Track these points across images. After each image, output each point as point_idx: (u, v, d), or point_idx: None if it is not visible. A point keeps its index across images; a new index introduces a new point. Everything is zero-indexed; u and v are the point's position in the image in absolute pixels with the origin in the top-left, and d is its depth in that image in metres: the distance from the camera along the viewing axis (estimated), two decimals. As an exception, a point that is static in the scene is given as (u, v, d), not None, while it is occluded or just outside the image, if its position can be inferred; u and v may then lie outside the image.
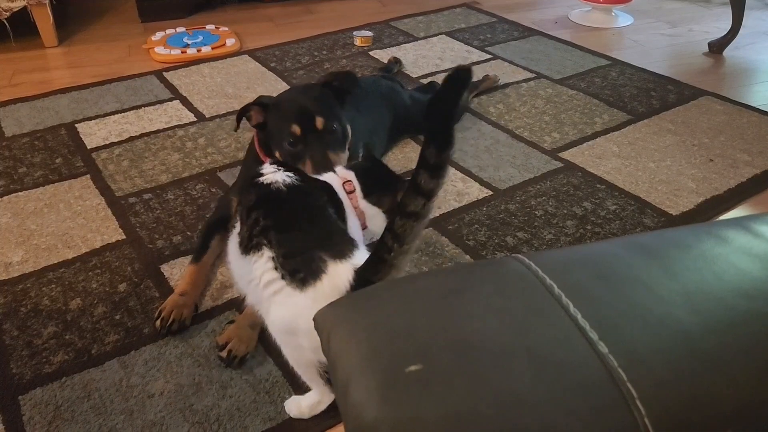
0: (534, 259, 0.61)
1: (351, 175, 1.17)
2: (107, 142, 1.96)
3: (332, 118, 1.41)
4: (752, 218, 0.69)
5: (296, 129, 1.39)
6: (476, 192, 1.71)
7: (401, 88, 1.95)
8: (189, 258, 1.47)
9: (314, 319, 0.64)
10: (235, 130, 1.53)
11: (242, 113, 1.46)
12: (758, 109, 2.12)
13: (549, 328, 0.54)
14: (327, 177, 1.17)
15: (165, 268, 1.45)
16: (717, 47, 2.61)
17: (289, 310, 0.92)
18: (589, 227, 1.57)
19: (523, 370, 0.50)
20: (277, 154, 1.44)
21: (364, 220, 1.15)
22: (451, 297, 0.59)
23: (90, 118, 2.10)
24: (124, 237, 1.55)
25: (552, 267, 0.59)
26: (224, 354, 1.20)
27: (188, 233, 1.56)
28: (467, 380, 0.50)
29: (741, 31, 2.59)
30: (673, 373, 0.49)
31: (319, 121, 1.39)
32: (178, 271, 1.44)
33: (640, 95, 2.22)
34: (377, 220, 1.16)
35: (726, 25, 2.64)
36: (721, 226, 0.68)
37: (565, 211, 1.61)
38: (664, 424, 0.46)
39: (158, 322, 1.27)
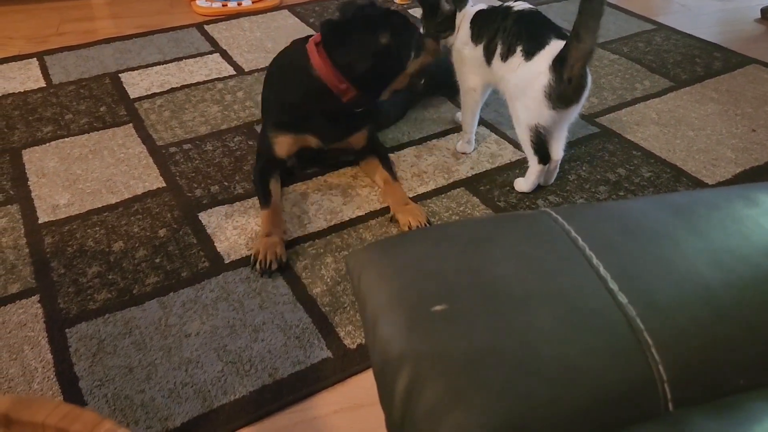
0: (561, 213, 0.62)
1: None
2: (149, 93, 2.01)
3: None
4: (785, 183, 0.69)
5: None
6: (510, 154, 1.71)
7: None
8: (226, 207, 1.52)
9: (346, 262, 0.67)
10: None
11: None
12: (808, 79, 2.06)
13: (571, 278, 0.56)
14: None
15: (203, 216, 1.50)
16: (770, 14, 2.52)
17: (522, 74, 1.41)
18: (621, 193, 1.56)
19: (545, 313, 0.52)
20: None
21: None
22: (478, 243, 0.61)
23: (133, 69, 2.15)
24: (164, 185, 1.61)
25: (578, 221, 0.61)
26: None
27: (225, 183, 1.61)
28: (491, 319, 0.53)
29: (797, -2, 2.49)
30: (690, 324, 0.51)
31: None
32: (215, 220, 1.49)
33: (684, 62, 2.17)
34: None
35: (782, -10, 2.54)
36: (751, 188, 0.68)
37: (599, 177, 1.61)
38: (678, 372, 0.48)
39: (257, 266, 1.33)
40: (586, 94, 1.40)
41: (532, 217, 0.64)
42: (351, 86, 1.46)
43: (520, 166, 1.65)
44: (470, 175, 1.63)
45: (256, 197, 1.54)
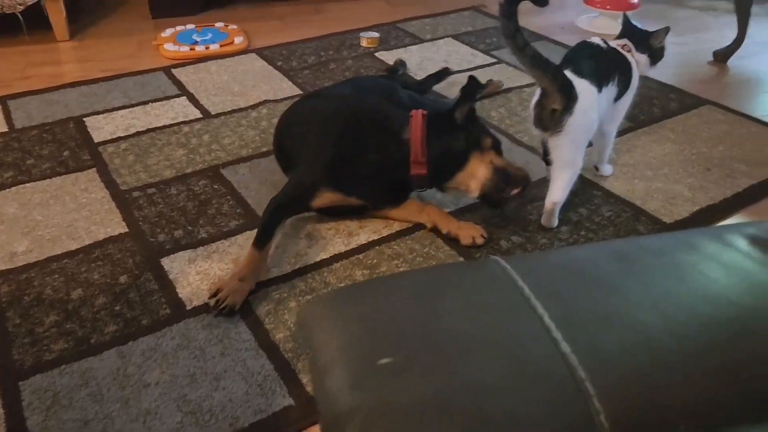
0: (509, 262, 0.63)
1: (625, 41, 1.72)
2: (114, 137, 2.00)
3: None
4: (726, 228, 0.71)
5: None
6: (474, 195, 1.73)
7: (401, 88, 1.97)
8: (189, 252, 1.51)
9: (298, 315, 0.67)
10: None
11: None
12: (759, 119, 2.13)
13: (517, 327, 0.56)
14: (614, 44, 1.70)
15: (165, 262, 1.48)
16: (722, 56, 2.62)
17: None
18: (583, 233, 1.59)
19: (491, 363, 0.53)
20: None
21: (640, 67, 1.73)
22: (428, 294, 0.62)
23: (98, 113, 2.14)
24: (126, 230, 1.59)
25: (525, 270, 0.62)
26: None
27: (189, 228, 1.59)
28: (438, 371, 0.53)
29: (746, 41, 2.59)
30: (632, 372, 0.52)
31: None
32: (177, 265, 1.47)
33: (641, 103, 2.23)
34: (644, 63, 1.74)
35: (733, 34, 2.64)
36: (695, 234, 0.71)
37: (560, 217, 1.63)
38: (619, 420, 0.49)
39: (212, 301, 1.33)
40: (562, 128, 1.48)
41: (481, 265, 0.65)
42: (426, 164, 1.52)
43: (483, 207, 1.67)
44: (435, 217, 1.64)
45: (254, 231, 1.50)
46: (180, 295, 1.39)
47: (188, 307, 1.36)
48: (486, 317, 0.58)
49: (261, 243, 1.44)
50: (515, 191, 1.55)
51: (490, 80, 2.29)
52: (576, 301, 0.59)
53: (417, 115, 1.55)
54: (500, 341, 0.55)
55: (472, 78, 1.56)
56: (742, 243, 0.67)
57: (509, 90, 2.31)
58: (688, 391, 0.52)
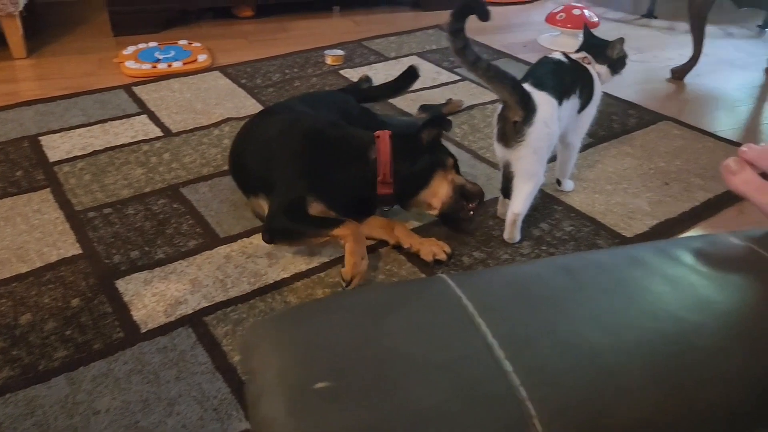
0: (455, 279, 0.62)
1: (584, 53, 1.73)
2: (70, 156, 1.95)
3: None
4: (672, 242, 0.71)
5: None
6: (436, 211, 1.72)
7: (355, 101, 1.97)
8: (145, 273, 1.47)
9: (243, 336, 0.65)
10: None
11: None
12: (714, 134, 2.18)
13: (461, 346, 0.55)
14: (576, 57, 1.71)
15: (120, 284, 1.44)
16: (679, 74, 2.68)
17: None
18: (544, 248, 1.59)
19: (432, 385, 0.51)
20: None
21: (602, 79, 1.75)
22: (372, 315, 0.60)
23: (54, 132, 2.09)
24: (80, 252, 1.54)
25: (470, 286, 0.61)
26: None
27: (146, 248, 1.56)
28: (379, 394, 0.51)
29: (703, 59, 2.66)
30: (575, 391, 0.51)
31: None
32: (133, 287, 1.43)
33: (601, 119, 2.26)
34: (606, 74, 1.75)
35: (690, 52, 2.71)
36: (642, 249, 0.70)
37: (523, 232, 1.64)
38: (561, 442, 0.47)
39: (350, 287, 1.41)
40: (523, 139, 1.50)
41: (428, 283, 0.64)
42: (392, 184, 1.55)
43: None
44: (397, 234, 1.63)
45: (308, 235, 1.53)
46: (134, 318, 1.35)
47: (143, 330, 1.32)
48: (429, 337, 0.57)
49: (331, 225, 1.48)
50: (471, 205, 1.60)
51: (450, 99, 2.30)
52: (520, 319, 0.58)
53: (384, 137, 1.58)
54: (442, 361, 0.53)
55: (441, 118, 1.65)
56: (688, 257, 0.66)
57: (472, 107, 2.32)
58: (633, 410, 0.51)
